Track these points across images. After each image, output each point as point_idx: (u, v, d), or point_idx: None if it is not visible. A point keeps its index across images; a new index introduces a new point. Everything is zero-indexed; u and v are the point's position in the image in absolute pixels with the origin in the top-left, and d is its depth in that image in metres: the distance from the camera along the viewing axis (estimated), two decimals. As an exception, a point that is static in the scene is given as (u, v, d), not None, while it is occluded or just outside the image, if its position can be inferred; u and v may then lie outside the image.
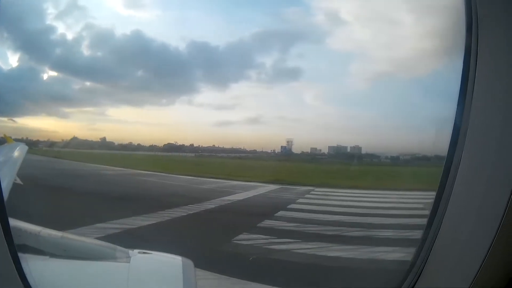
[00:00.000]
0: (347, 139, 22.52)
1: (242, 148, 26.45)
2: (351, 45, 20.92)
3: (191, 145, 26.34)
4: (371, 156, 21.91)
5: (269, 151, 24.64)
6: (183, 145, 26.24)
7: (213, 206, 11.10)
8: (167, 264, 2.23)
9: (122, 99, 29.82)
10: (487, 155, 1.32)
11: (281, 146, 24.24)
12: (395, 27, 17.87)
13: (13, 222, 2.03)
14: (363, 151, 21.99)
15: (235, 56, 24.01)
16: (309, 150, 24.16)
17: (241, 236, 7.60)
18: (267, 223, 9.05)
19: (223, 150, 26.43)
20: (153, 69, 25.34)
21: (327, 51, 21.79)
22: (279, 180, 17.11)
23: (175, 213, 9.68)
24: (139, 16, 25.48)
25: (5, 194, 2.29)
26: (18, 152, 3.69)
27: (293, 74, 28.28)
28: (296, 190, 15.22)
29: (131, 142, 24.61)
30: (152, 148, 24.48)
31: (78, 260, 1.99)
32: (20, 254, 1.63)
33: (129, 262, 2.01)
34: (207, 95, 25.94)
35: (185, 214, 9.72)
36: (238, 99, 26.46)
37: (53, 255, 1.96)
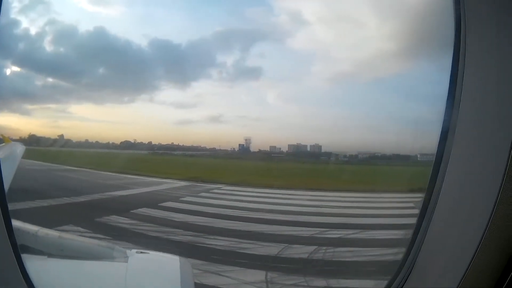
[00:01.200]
0: (308, 137, 23.02)
1: (202, 146, 25.63)
2: (313, 45, 21.89)
3: (149, 142, 24.96)
4: (329, 155, 22.37)
5: (229, 149, 24.48)
6: (141, 142, 24.77)
7: (84, 200, 11.14)
8: (164, 263, 2.32)
9: (84, 97, 27.61)
10: (475, 156, 1.33)
11: (239, 144, 24.10)
12: (358, 28, 19.25)
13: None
14: (323, 150, 22.65)
15: (197, 54, 23.67)
16: (268, 149, 24.48)
17: (59, 228, 7.38)
18: (110, 218, 9.06)
19: (183, 148, 25.33)
20: (115, 66, 24.13)
21: (289, 51, 22.75)
22: (198, 177, 16.80)
23: (37, 203, 9.58)
24: (103, 12, 24.05)
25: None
26: (15, 153, 3.54)
27: (254, 73, 28.76)
28: (201, 188, 14.93)
29: (87, 140, 23.32)
30: (108, 145, 23.51)
31: (76, 259, 2.02)
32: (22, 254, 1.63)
33: (127, 262, 2.07)
34: (168, 93, 25.16)
35: (46, 205, 9.73)
36: (200, 98, 25.48)
37: (51, 254, 1.98)
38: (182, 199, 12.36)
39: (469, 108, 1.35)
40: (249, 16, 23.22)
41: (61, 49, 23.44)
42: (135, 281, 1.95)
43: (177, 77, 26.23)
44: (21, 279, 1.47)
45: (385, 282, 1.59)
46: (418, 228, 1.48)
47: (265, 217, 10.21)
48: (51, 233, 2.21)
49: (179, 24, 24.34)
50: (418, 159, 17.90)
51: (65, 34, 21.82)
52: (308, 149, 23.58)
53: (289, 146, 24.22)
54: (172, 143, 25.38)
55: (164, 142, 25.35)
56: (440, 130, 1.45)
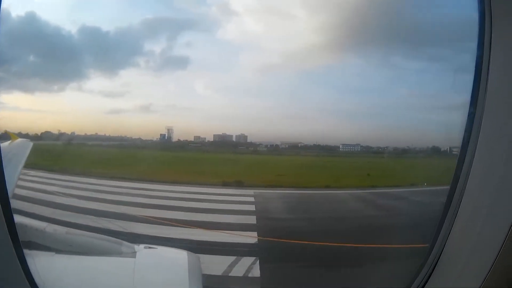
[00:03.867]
0: (235, 128, 22.94)
1: (128, 136, 23.58)
2: (243, 37, 21.63)
3: (73, 133, 21.67)
4: (249, 145, 22.57)
5: (153, 139, 23.03)
6: (65, 133, 21.35)
7: None
8: (172, 258, 2.31)
9: (15, 85, 22.63)
10: (499, 157, 1.31)
11: (160, 134, 22.66)
12: (289, 21, 19.50)
13: (18, 218, 1.82)
14: (249, 140, 22.70)
15: (126, 42, 21.90)
16: (193, 139, 23.45)
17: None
18: None
19: (107, 138, 23.27)
20: (44, 53, 20.64)
21: (217, 41, 22.17)
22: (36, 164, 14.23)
23: None
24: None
25: (10, 192, 1.83)
26: (22, 150, 3.53)
27: (182, 62, 27.36)
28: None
29: (6, 131, 18.33)
30: (27, 137, 19.57)
31: (84, 255, 1.97)
32: (26, 251, 1.58)
33: (135, 257, 2.05)
34: (96, 81, 22.75)
35: None
36: (128, 87, 23.43)
37: (58, 251, 1.91)
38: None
39: (495, 104, 1.35)
40: (178, 5, 22.77)
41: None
42: (143, 276, 1.96)
43: (105, 65, 24.92)
44: (23, 276, 1.45)
45: (406, 281, 1.61)
46: (439, 228, 1.51)
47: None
48: (59, 229, 2.11)
49: (108, 11, 23.23)
50: (340, 149, 19.19)
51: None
52: (234, 139, 23.76)
53: (214, 136, 24.34)
54: (96, 133, 23.95)
55: (89, 133, 23.87)
56: (464, 129, 1.48)
